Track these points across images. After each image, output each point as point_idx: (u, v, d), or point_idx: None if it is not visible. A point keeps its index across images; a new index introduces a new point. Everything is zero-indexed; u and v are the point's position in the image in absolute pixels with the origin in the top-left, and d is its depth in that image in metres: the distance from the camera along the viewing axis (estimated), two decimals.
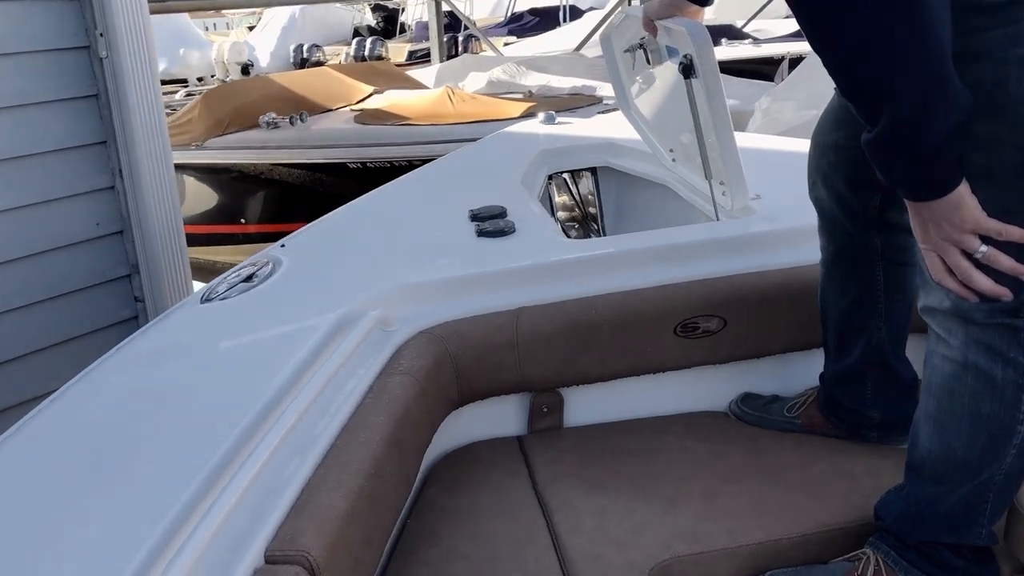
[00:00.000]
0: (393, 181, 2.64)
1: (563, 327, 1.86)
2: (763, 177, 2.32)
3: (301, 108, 7.34)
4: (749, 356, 1.98)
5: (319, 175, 6.99)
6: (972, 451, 1.38)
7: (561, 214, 3.06)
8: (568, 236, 3.02)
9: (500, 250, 2.05)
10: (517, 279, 1.93)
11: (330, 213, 2.39)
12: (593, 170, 2.97)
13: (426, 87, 8.44)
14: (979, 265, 1.26)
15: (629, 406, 1.99)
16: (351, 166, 6.81)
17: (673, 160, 2.49)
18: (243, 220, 7.57)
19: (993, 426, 1.37)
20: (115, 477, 1.29)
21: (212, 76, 23.15)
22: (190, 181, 7.55)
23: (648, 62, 2.28)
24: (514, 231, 2.13)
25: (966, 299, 1.30)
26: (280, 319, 1.78)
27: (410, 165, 6.21)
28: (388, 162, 6.67)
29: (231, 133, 7.29)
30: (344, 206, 2.45)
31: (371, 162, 6.72)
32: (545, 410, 1.94)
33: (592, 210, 3.03)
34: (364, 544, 1.32)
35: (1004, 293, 1.26)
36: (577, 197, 3.06)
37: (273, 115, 7.19)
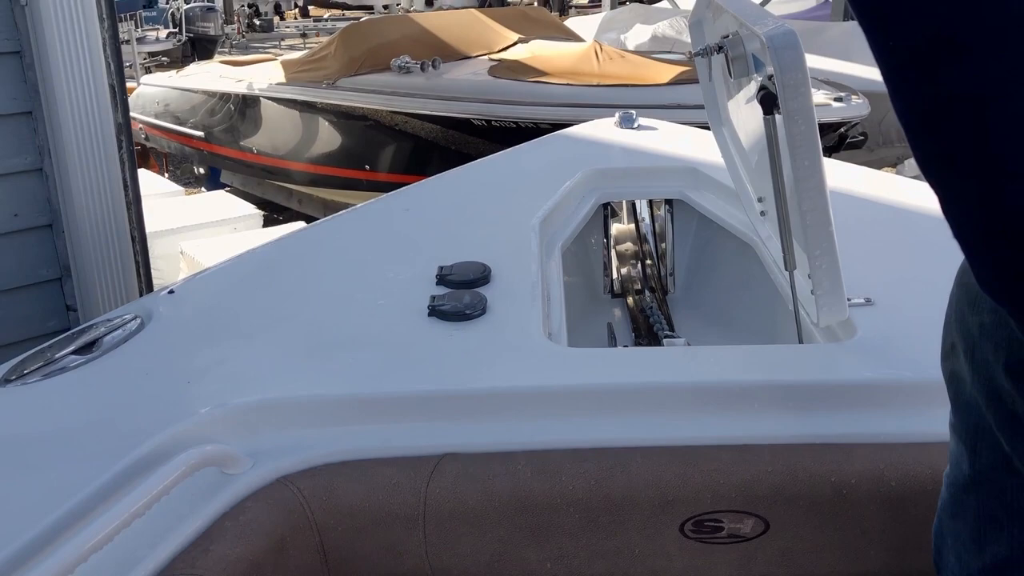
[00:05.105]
0: (383, 196, 1.99)
1: (505, 499, 1.18)
2: (894, 257, 1.51)
3: (438, 53, 6.83)
4: None
5: (445, 130, 6.50)
6: None
7: (621, 249, 2.30)
8: (626, 288, 2.26)
9: (446, 346, 1.37)
10: (442, 407, 1.25)
11: (271, 242, 1.77)
12: (670, 201, 2.19)
13: (579, 38, 7.66)
14: None
15: None
16: (476, 123, 6.24)
17: (762, 214, 1.70)
18: (367, 167, 7.25)
19: None
20: None
21: (397, 4, 23.16)
22: (319, 121, 7.32)
23: (730, 73, 1.50)
24: (482, 314, 1.44)
25: None
26: (65, 442, 1.20)
27: (536, 128, 5.60)
28: (514, 122, 6.05)
29: (363, 74, 6.93)
30: (298, 230, 1.83)
31: (496, 120, 6.12)
32: None
33: (664, 250, 2.25)
34: None
35: None
36: (644, 232, 2.29)
37: (407, 58, 6.72)
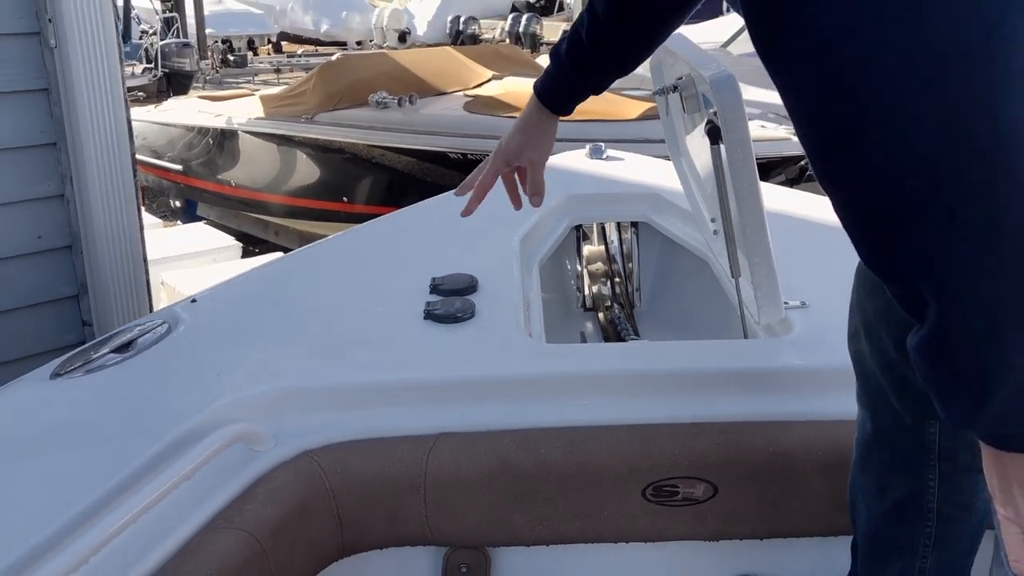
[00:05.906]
0: (379, 218, 2.20)
1: (493, 471, 1.38)
2: (827, 268, 1.74)
3: (415, 89, 7.04)
4: (748, 536, 1.44)
5: (421, 163, 6.70)
6: None
7: (592, 268, 2.53)
8: (597, 304, 2.50)
9: (440, 343, 1.58)
10: (438, 394, 1.46)
11: (279, 258, 1.98)
12: (636, 223, 2.43)
13: None
14: None
15: None
16: (452, 156, 6.46)
17: (715, 233, 1.93)
18: (345, 199, 7.41)
19: None
20: None
21: (371, 41, 23.47)
22: (297, 154, 7.48)
23: (684, 109, 1.74)
24: (471, 317, 1.65)
25: None
26: (115, 423, 1.38)
27: None
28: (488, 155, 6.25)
29: (341, 109, 7.10)
30: (303, 248, 2.03)
31: (472, 154, 6.34)
32: (464, 570, 1.47)
33: (630, 268, 2.49)
34: None
35: None
36: (613, 253, 2.53)
37: (384, 94, 6.92)
